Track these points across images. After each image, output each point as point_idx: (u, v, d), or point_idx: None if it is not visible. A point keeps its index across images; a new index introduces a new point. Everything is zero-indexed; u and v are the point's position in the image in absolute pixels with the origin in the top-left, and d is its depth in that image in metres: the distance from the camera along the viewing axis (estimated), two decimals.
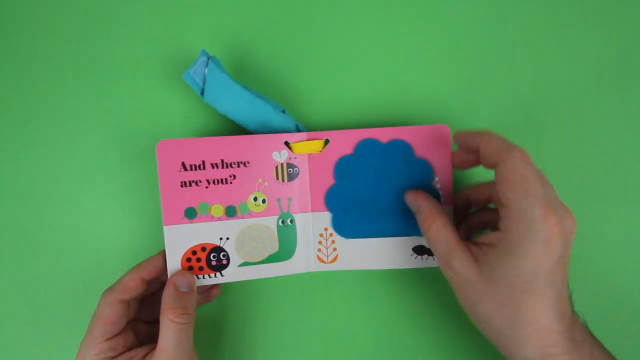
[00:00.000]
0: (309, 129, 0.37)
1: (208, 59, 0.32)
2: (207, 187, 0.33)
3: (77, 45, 0.37)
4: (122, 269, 0.34)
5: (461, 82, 0.37)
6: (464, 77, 0.37)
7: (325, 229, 0.35)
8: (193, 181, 0.33)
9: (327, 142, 0.34)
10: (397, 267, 0.35)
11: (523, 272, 0.25)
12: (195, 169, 0.33)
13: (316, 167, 0.35)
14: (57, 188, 0.37)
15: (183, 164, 0.33)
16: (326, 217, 0.35)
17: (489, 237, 0.28)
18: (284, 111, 0.34)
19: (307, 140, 0.34)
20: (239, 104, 0.32)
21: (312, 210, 0.35)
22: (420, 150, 0.34)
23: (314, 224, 0.35)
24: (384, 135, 0.34)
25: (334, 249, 0.35)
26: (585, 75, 0.37)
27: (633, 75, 0.36)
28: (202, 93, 0.33)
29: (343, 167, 0.34)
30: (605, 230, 0.37)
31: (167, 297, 0.31)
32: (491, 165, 0.28)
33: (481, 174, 0.37)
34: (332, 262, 0.35)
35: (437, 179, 0.34)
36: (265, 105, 0.32)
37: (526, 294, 0.26)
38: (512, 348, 0.27)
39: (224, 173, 0.33)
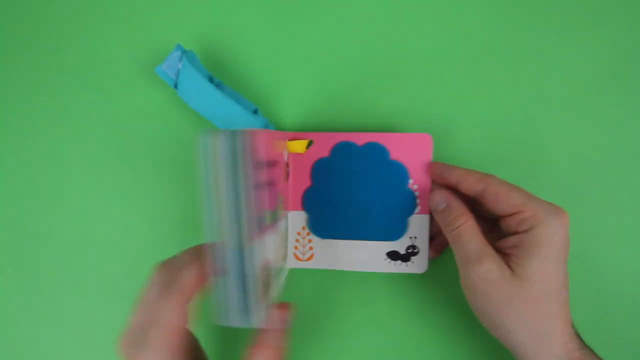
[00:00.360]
0: (287, 129, 0.37)
1: (182, 54, 0.32)
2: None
3: (76, 46, 0.38)
4: (121, 268, 0.36)
5: (453, 86, 0.36)
6: (456, 81, 0.36)
7: (303, 228, 0.35)
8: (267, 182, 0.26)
9: (310, 143, 0.34)
10: (370, 271, 0.35)
11: (553, 263, 0.27)
12: (269, 167, 0.26)
13: (297, 167, 0.35)
14: (57, 188, 0.38)
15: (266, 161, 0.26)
16: (303, 216, 0.35)
17: (509, 241, 0.29)
18: (256, 111, 0.34)
19: (292, 139, 0.34)
20: (208, 102, 0.32)
21: (292, 209, 0.35)
22: (396, 154, 0.34)
23: (293, 223, 0.35)
24: (363, 139, 0.34)
25: (310, 248, 0.35)
26: (585, 77, 0.35)
27: (632, 76, 0.35)
28: (176, 87, 0.33)
29: (320, 169, 0.34)
30: (604, 231, 0.35)
31: (274, 337, 0.26)
32: (475, 192, 0.30)
33: None
34: (307, 260, 0.35)
35: (411, 181, 0.34)
36: (234, 105, 0.32)
37: (556, 285, 0.27)
38: (540, 347, 0.27)
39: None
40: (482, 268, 0.28)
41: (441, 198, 0.31)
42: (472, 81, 0.36)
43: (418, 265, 0.34)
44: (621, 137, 0.35)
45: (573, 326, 0.28)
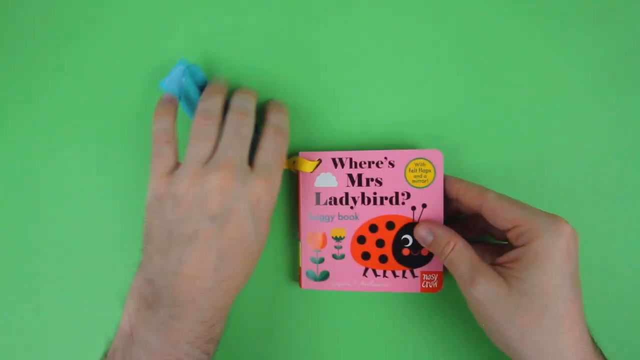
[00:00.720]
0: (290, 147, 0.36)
1: (186, 68, 0.32)
2: None
3: (78, 46, 0.38)
4: (122, 269, 0.35)
5: (458, 98, 0.36)
6: (461, 94, 0.36)
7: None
8: None
9: (319, 162, 0.35)
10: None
11: (553, 277, 0.26)
12: None
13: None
14: (57, 187, 0.38)
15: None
16: None
17: (509, 255, 0.28)
18: (257, 126, 0.33)
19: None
20: None
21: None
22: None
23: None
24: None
25: None
26: (584, 79, 0.35)
27: (632, 77, 0.35)
28: (180, 99, 0.33)
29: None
30: (604, 233, 0.35)
31: None
32: (474, 207, 0.30)
33: None
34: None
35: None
36: None
37: (560, 300, 0.26)
38: None
39: None
40: (476, 289, 0.28)
41: (425, 232, 0.32)
42: (474, 91, 0.36)
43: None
44: (620, 137, 0.35)
45: (594, 344, 0.28)
